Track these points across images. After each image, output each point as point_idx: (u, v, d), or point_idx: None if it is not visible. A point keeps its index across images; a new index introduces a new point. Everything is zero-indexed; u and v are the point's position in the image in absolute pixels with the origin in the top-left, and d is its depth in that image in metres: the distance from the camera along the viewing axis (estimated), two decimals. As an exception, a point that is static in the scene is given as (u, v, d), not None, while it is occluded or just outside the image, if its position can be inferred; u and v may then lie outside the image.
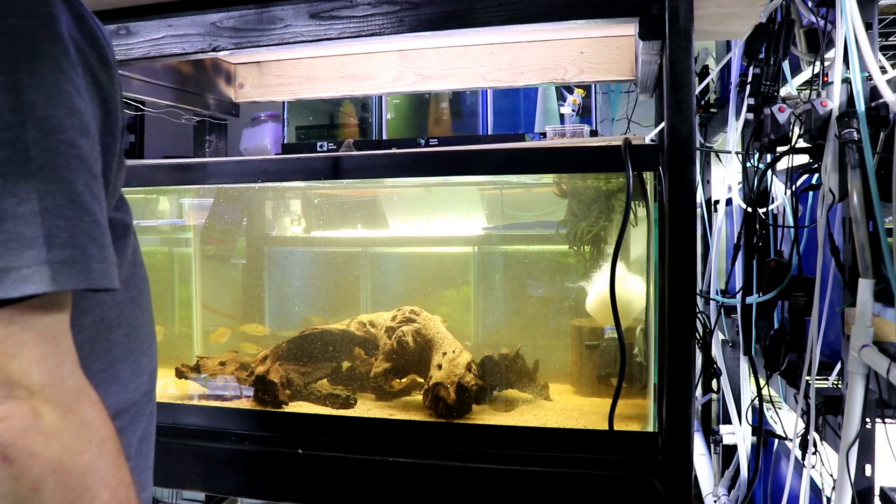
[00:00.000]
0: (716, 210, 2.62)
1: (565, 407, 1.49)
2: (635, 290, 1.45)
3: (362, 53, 1.99)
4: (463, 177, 1.58)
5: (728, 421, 2.44)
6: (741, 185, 2.14)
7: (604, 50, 1.85)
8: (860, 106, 1.36)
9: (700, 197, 2.63)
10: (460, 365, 1.44)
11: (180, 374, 1.61)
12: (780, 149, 1.72)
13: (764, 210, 2.01)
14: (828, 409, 1.57)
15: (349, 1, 1.37)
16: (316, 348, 1.62)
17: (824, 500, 1.62)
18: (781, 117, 1.61)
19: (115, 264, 0.59)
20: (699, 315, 2.12)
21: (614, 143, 1.27)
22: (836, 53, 1.43)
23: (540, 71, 1.90)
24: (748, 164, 1.93)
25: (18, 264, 0.52)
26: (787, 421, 1.99)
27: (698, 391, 2.49)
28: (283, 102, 3.07)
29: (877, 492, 1.43)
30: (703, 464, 2.57)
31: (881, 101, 1.33)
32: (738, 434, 2.30)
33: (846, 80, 1.42)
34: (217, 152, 2.26)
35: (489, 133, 3.03)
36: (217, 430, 1.46)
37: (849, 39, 1.38)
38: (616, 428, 1.22)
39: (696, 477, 2.51)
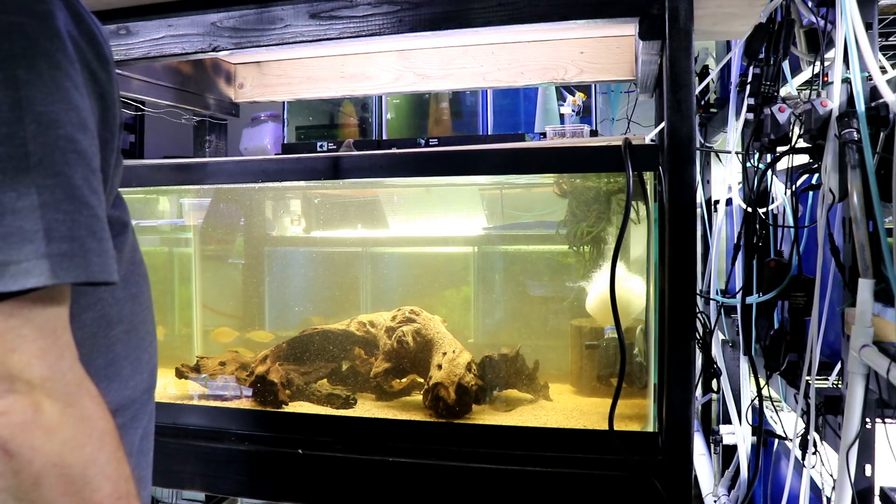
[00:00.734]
0: (716, 210, 2.62)
1: (565, 407, 1.49)
2: (635, 290, 1.45)
3: (362, 53, 1.99)
4: (463, 177, 1.58)
5: (728, 421, 2.44)
6: (741, 185, 2.14)
7: (604, 50, 1.85)
8: (860, 106, 1.36)
9: (700, 197, 2.63)
10: (460, 365, 1.44)
11: (180, 374, 1.61)
12: (780, 149, 1.72)
13: (764, 210, 2.01)
14: (828, 409, 1.57)
15: (349, 1, 1.37)
16: (316, 348, 1.62)
17: (824, 500, 1.61)
18: (781, 117, 1.61)
19: (115, 258, 0.59)
20: (699, 315, 2.12)
21: (614, 143, 1.27)
22: (836, 53, 1.43)
23: (540, 71, 1.90)
24: (748, 164, 1.93)
25: (18, 258, 0.52)
26: (787, 421, 1.99)
27: (698, 391, 2.49)
28: (283, 102, 3.07)
29: (877, 492, 1.43)
30: (703, 464, 2.57)
31: (881, 101, 1.33)
32: (738, 434, 2.30)
33: (846, 80, 1.42)
34: (217, 152, 2.26)
35: (489, 133, 3.03)
36: (217, 430, 1.46)
37: (849, 39, 1.38)
38: (616, 428, 1.22)
39: (696, 477, 2.51)
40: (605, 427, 1.23)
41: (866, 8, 1.42)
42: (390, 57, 1.97)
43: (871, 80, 1.35)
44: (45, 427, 0.52)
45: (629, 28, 1.70)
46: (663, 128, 1.21)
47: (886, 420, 1.39)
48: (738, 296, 2.08)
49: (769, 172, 1.91)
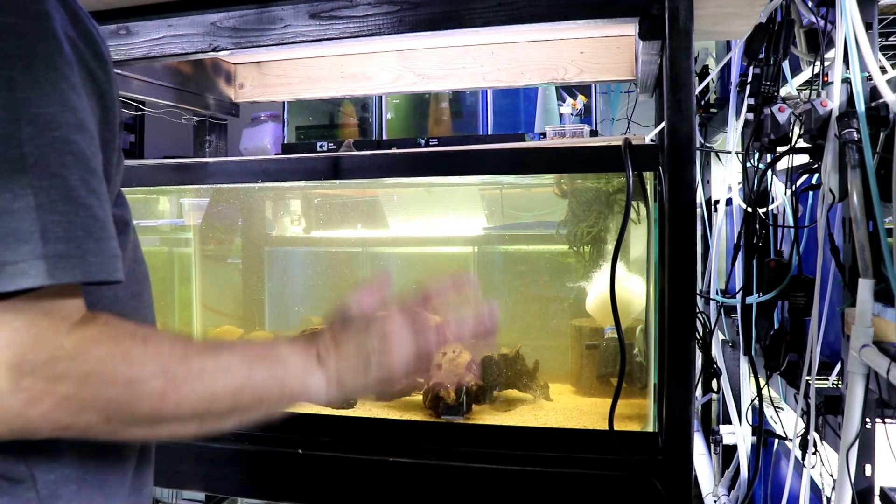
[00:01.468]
0: (716, 210, 2.62)
1: (565, 407, 1.49)
2: (635, 290, 1.45)
3: (362, 53, 1.99)
4: (463, 177, 1.57)
5: (728, 421, 2.44)
6: (741, 185, 2.14)
7: (604, 50, 1.85)
8: (860, 106, 1.36)
9: (700, 197, 2.63)
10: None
11: (180, 374, 1.61)
12: (780, 149, 1.72)
13: (764, 210, 2.01)
14: (828, 409, 1.57)
15: (349, 1, 1.37)
16: (316, 348, 1.62)
17: (824, 500, 1.61)
18: (781, 117, 1.61)
19: (118, 257, 0.59)
20: (699, 315, 2.12)
21: (614, 143, 1.27)
22: (836, 53, 1.43)
23: (540, 71, 1.90)
24: (748, 164, 1.93)
25: (14, 258, 0.53)
26: (787, 421, 1.98)
27: (698, 391, 2.49)
28: (283, 102, 3.07)
29: (877, 492, 1.43)
30: (703, 464, 2.57)
31: (881, 101, 1.33)
32: (738, 434, 2.30)
33: (846, 80, 1.42)
34: (217, 152, 2.25)
35: (489, 133, 3.03)
36: (217, 430, 1.45)
37: (849, 39, 1.38)
38: (616, 428, 1.22)
39: (696, 477, 2.51)
40: (605, 427, 1.23)
41: (866, 8, 1.42)
42: (390, 57, 1.97)
43: (871, 80, 1.35)
44: (78, 349, 0.55)
45: (629, 28, 1.69)
46: (663, 128, 1.21)
47: (886, 420, 1.39)
48: (738, 296, 2.08)
49: (769, 172, 1.91)
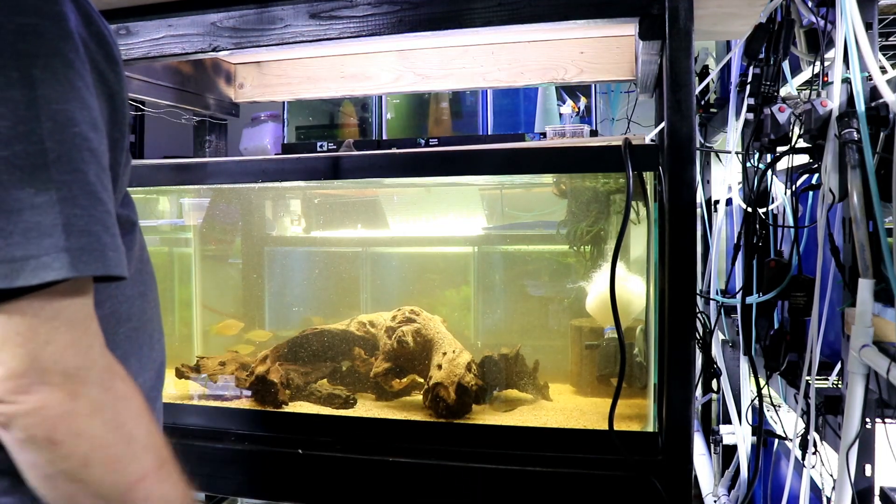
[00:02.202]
0: (716, 210, 2.62)
1: (565, 407, 1.49)
2: (635, 290, 1.45)
3: (362, 53, 1.99)
4: (463, 177, 1.57)
5: (728, 421, 2.44)
6: (741, 185, 2.14)
7: (604, 50, 1.85)
8: (860, 106, 1.36)
9: (700, 197, 2.63)
10: (460, 365, 1.44)
11: (180, 374, 1.61)
12: (780, 149, 1.72)
13: (764, 210, 2.01)
14: (828, 409, 1.57)
15: (349, 1, 1.37)
16: (316, 348, 1.62)
17: (824, 500, 1.61)
18: (781, 117, 1.61)
19: (125, 254, 0.61)
20: (699, 315, 2.12)
21: (614, 143, 1.27)
22: (836, 53, 1.43)
23: (540, 71, 1.90)
24: (748, 164, 1.93)
25: (38, 252, 0.54)
26: (787, 421, 1.99)
27: (698, 391, 2.49)
28: (283, 102, 3.07)
29: (877, 492, 1.43)
30: (703, 464, 2.57)
31: (881, 101, 1.33)
32: (738, 434, 2.30)
33: (846, 80, 1.42)
34: (217, 152, 2.25)
35: (489, 133, 3.03)
36: (217, 430, 1.46)
37: (849, 39, 1.38)
38: (616, 428, 1.22)
39: (696, 477, 2.51)
40: (605, 427, 1.23)
41: (866, 8, 1.42)
42: (390, 57, 1.97)
43: (871, 80, 1.35)
44: (84, 413, 0.56)
45: (629, 28, 1.70)
46: (663, 128, 1.21)
47: (886, 420, 1.39)
48: (738, 296, 2.08)
49: (769, 172, 1.91)
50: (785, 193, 1.92)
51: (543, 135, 2.47)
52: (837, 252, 1.52)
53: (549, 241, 1.65)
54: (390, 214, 1.84)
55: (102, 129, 0.62)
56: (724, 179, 2.32)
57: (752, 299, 1.88)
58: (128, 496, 0.58)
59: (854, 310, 1.37)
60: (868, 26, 1.41)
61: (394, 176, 1.50)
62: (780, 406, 2.01)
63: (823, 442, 1.61)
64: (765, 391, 1.83)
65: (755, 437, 2.21)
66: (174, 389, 1.62)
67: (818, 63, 1.58)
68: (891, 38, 1.99)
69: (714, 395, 2.63)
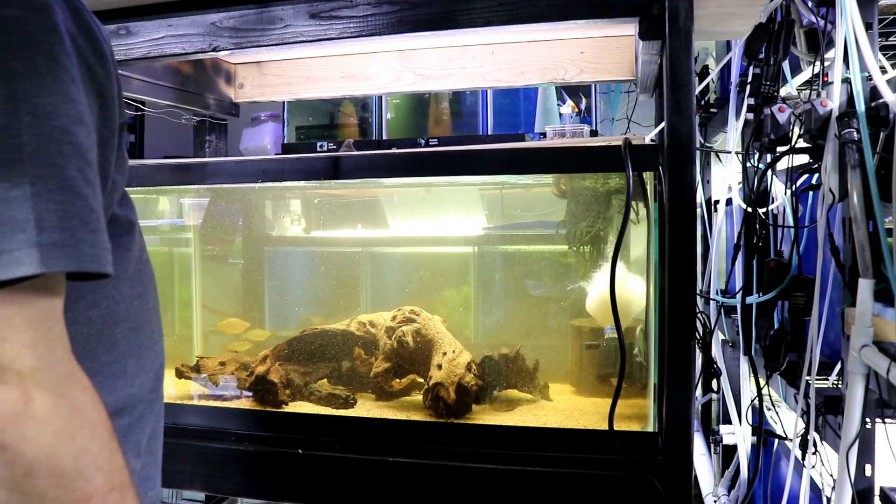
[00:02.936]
0: (716, 210, 2.62)
1: (565, 407, 1.49)
2: (635, 290, 1.45)
3: (362, 53, 1.99)
4: (463, 177, 1.57)
5: (728, 421, 2.44)
6: (741, 185, 2.14)
7: (604, 50, 1.85)
8: (860, 106, 1.36)
9: (700, 197, 2.63)
10: (460, 365, 1.44)
11: (180, 374, 1.61)
12: (780, 149, 1.72)
13: (764, 210, 2.01)
14: (828, 409, 1.57)
15: (349, 1, 1.37)
16: (316, 348, 1.62)
17: (824, 500, 1.61)
18: (781, 117, 1.61)
19: (109, 251, 0.59)
20: (699, 315, 2.12)
21: (614, 143, 1.27)
22: (836, 53, 1.43)
23: (540, 71, 1.90)
24: (748, 164, 1.93)
25: (9, 247, 0.52)
26: (787, 421, 1.99)
27: (698, 391, 2.49)
28: (283, 102, 3.07)
29: (877, 492, 1.43)
30: (703, 464, 2.57)
31: (881, 101, 1.33)
32: (738, 434, 2.30)
33: (846, 80, 1.42)
34: (217, 152, 2.26)
35: (489, 133, 3.03)
36: (217, 430, 1.46)
37: (849, 39, 1.38)
38: (616, 428, 1.22)
39: (696, 477, 2.51)
40: (606, 427, 1.23)
41: (866, 8, 1.42)
42: (390, 57, 1.97)
43: (871, 80, 1.35)
44: (35, 418, 0.52)
45: (629, 28, 1.70)
46: (663, 128, 1.21)
47: (886, 420, 1.39)
48: (738, 296, 2.08)
49: (769, 172, 1.91)
50: (785, 193, 1.92)
51: (543, 135, 2.47)
52: (837, 252, 1.52)
53: (549, 242, 1.65)
54: (390, 214, 1.84)
55: (89, 123, 0.60)
56: (724, 179, 2.32)
57: (752, 299, 1.88)
58: None
59: (854, 310, 1.37)
60: (868, 26, 1.42)
61: (394, 176, 1.50)
62: (780, 406, 2.01)
63: (823, 442, 1.61)
64: (765, 391, 1.83)
65: (755, 437, 2.21)
66: (174, 389, 1.62)
67: (818, 63, 1.58)
68: (891, 38, 1.99)
69: (714, 395, 2.63)
